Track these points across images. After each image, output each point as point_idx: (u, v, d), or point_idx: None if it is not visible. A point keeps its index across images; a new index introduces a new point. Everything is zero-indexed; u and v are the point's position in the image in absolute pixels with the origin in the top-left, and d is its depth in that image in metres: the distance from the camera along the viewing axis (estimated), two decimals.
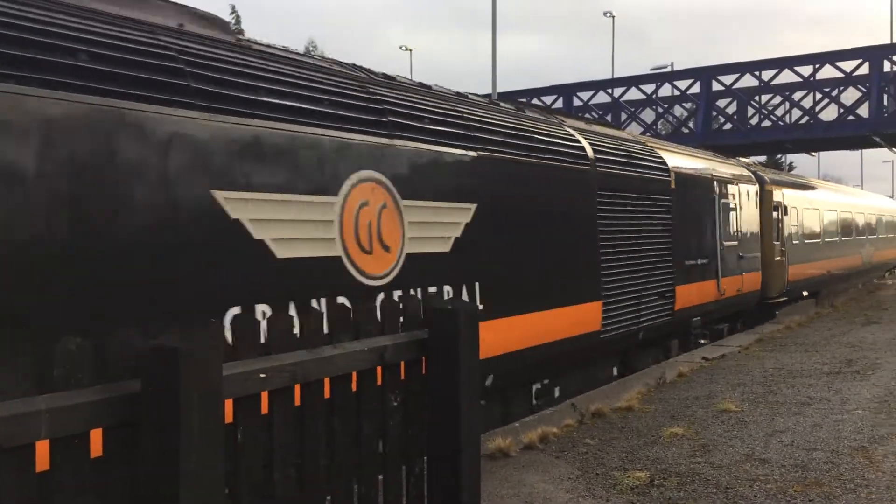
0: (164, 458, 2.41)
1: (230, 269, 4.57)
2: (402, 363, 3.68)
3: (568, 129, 9.36)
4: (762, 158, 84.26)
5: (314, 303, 5.08)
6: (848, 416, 7.32)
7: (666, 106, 30.70)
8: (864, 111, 26.02)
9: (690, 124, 29.89)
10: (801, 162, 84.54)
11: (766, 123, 28.54)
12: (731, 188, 14.15)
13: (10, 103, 3.56)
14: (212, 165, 4.52)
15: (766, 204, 16.31)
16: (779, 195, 17.38)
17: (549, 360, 8.22)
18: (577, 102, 31.53)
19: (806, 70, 27.20)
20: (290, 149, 5.07)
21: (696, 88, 29.25)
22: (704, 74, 29.05)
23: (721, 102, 29.39)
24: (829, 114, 27.02)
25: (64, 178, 3.78)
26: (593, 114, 31.20)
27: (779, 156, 70.55)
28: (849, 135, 27.28)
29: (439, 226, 6.49)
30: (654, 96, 30.33)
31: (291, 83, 5.31)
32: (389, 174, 5.89)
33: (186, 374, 2.40)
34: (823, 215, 21.18)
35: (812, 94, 27.35)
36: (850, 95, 26.47)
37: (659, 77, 32.07)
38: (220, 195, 4.54)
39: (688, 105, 30.42)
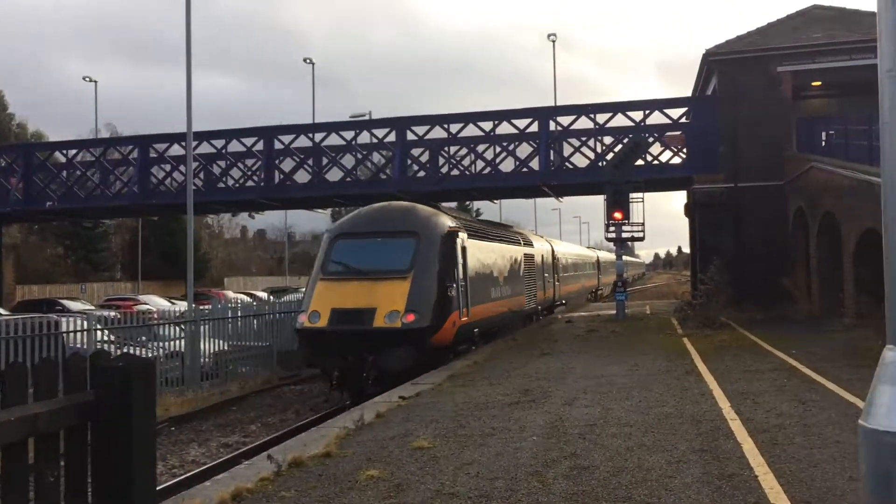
0: None
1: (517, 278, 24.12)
2: (62, 431, 3.24)
3: (535, 239, 31.20)
4: (454, 204, 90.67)
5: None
6: (525, 443, 7.96)
7: (365, 153, 31.77)
8: (535, 164, 29.19)
9: (388, 171, 31.23)
10: (486, 208, 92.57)
11: (455, 172, 30.76)
12: (545, 252, 30.73)
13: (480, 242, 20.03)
14: (530, 260, 26.44)
15: (553, 257, 32.80)
16: (557, 252, 34.29)
17: (517, 316, 23.71)
18: (278, 146, 31.42)
19: (487, 125, 29.91)
20: (515, 253, 24.07)
21: (392, 137, 30.70)
22: (400, 124, 30.62)
23: (415, 151, 31.14)
24: (508, 165, 29.89)
25: (499, 259, 21.76)
26: (296, 158, 31.31)
27: (467, 202, 76.50)
28: (524, 184, 30.39)
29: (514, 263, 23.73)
30: (353, 142, 31.25)
31: (500, 231, 24.64)
32: (536, 252, 27.91)
33: None
34: (569, 260, 39.71)
35: (493, 147, 30.09)
36: (524, 150, 29.57)
37: (358, 124, 33.15)
38: (485, 259, 20.50)
39: (385, 152, 31.77)
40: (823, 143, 23.22)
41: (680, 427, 8.42)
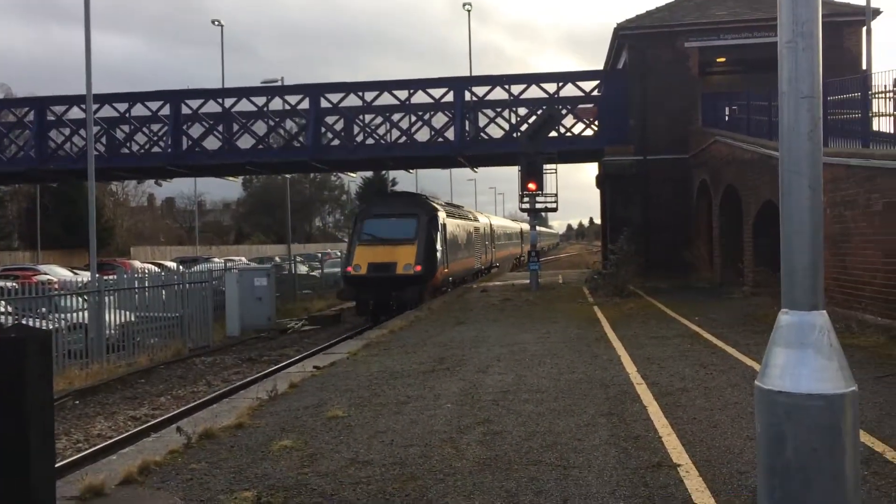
0: None
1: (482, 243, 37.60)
2: None
3: (479, 216, 40.12)
4: (369, 173, 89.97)
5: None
6: (439, 410, 8.04)
7: (277, 119, 31.06)
8: (451, 134, 29.20)
9: (301, 138, 30.65)
10: (401, 177, 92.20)
11: (370, 141, 30.45)
12: (486, 225, 39.28)
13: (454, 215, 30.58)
14: (477, 231, 35.75)
15: (491, 229, 41.52)
16: (493, 225, 43.37)
17: (470, 272, 32.92)
18: (185, 111, 30.34)
19: (402, 94, 29.66)
20: (469, 226, 33.19)
21: (305, 104, 30.08)
22: (313, 91, 30.02)
23: (330, 119, 30.63)
24: (423, 135, 29.80)
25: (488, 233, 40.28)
26: (205, 123, 30.36)
27: (382, 171, 75.99)
28: (439, 154, 30.38)
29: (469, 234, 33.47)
30: (265, 109, 30.49)
31: (462, 211, 34.24)
32: (480, 226, 37.06)
33: None
34: (501, 232, 48.68)
35: (408, 116, 29.90)
36: (440, 119, 29.50)
37: (270, 90, 32.35)
38: (471, 228, 34.39)
39: (298, 120, 31.14)
40: (727, 118, 24.05)
41: (589, 392, 8.67)
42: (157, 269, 33.60)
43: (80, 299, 16.48)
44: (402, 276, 22.98)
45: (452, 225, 28.55)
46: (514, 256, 55.40)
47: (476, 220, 36.71)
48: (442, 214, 26.50)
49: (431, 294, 24.15)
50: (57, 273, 36.41)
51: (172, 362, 17.15)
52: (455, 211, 31.56)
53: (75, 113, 30.52)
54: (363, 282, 23.34)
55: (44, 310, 15.36)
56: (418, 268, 23.28)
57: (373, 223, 24.92)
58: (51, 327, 14.48)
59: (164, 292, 19.11)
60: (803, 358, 3.32)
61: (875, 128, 13.42)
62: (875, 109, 13.36)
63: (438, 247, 25.06)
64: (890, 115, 13.08)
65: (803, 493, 3.27)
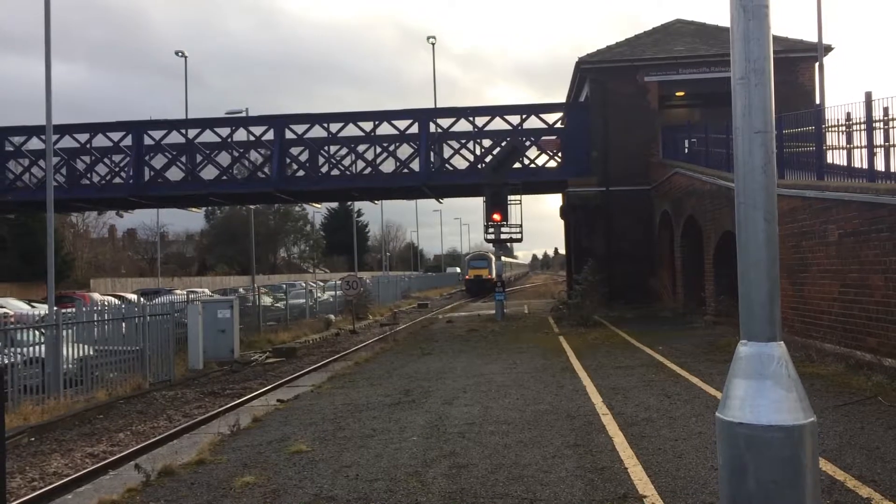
0: None
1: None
2: None
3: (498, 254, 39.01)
4: (335, 204, 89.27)
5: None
6: (405, 443, 7.97)
7: (241, 150, 30.93)
8: (416, 165, 29.32)
9: (266, 169, 30.54)
10: (366, 208, 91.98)
11: (335, 172, 30.45)
12: (503, 261, 39.84)
13: None
14: (496, 262, 35.03)
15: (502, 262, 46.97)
16: (510, 261, 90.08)
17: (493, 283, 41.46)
18: (148, 141, 30.09)
19: (367, 126, 29.78)
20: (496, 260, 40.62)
21: (270, 135, 30.03)
22: (278, 122, 30.02)
23: (294, 150, 30.59)
24: (389, 166, 29.89)
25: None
26: (168, 154, 30.12)
27: (348, 202, 75.76)
28: (405, 185, 30.47)
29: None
30: (229, 140, 30.36)
31: (493, 255, 45.97)
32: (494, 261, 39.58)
33: None
34: (510, 263, 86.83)
35: (373, 147, 30.00)
36: (405, 151, 29.65)
37: (234, 121, 32.26)
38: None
39: (263, 151, 31.05)
40: (686, 151, 24.52)
41: (555, 423, 8.67)
42: (117, 301, 33.01)
43: (36, 333, 16.09)
44: (485, 279, 57.61)
45: (496, 261, 59.10)
46: (515, 276, 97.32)
47: (499, 258, 68.38)
48: (493, 258, 53.51)
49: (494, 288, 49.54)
50: (14, 306, 35.58)
51: (132, 397, 16.78)
52: (496, 255, 66.97)
53: (34, 143, 30.10)
54: (471, 281, 61.39)
55: None
56: (491, 277, 51.66)
57: (473, 262, 64.87)
58: (5, 361, 14.11)
59: (123, 325, 18.75)
60: (762, 389, 3.36)
61: (829, 160, 13.77)
62: (829, 143, 13.72)
63: (494, 269, 47.87)
64: (843, 149, 13.44)
65: None
